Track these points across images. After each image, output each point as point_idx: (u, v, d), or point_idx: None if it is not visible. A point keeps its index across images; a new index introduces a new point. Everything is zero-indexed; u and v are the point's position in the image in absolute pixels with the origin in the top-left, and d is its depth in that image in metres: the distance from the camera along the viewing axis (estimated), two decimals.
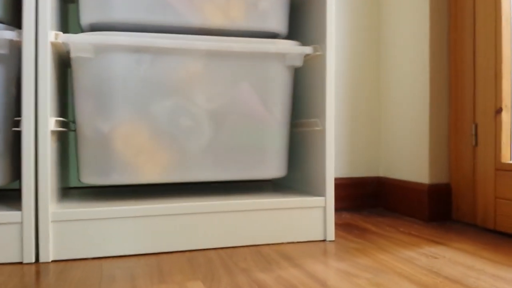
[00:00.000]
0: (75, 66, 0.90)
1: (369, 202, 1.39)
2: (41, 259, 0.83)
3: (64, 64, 0.99)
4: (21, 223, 0.83)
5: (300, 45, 0.99)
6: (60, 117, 0.96)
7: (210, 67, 0.93)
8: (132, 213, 0.87)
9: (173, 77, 0.91)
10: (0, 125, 0.86)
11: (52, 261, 0.84)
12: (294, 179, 1.14)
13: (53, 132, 0.87)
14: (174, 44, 0.89)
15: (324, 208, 0.97)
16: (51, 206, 0.84)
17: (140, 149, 0.91)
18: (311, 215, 0.96)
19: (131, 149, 0.90)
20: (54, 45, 0.85)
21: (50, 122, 0.84)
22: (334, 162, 0.97)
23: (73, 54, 0.87)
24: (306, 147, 1.07)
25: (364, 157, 1.40)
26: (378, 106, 1.41)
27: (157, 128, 0.91)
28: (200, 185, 1.20)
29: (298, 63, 0.99)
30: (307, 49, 0.98)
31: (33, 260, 0.83)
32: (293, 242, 0.96)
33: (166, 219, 0.89)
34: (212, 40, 0.92)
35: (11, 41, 0.83)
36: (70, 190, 1.13)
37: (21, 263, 0.83)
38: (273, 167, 0.99)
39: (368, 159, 1.40)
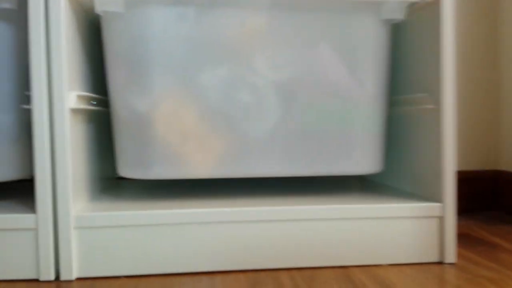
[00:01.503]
0: (103, 25, 0.69)
1: (483, 202, 1.09)
2: (63, 277, 0.64)
3: (96, 25, 0.78)
4: (36, 229, 0.63)
5: None
6: (93, 92, 0.76)
7: (276, 23, 0.68)
8: (177, 219, 0.65)
9: (226, 37, 0.67)
10: (11, 102, 0.67)
11: (77, 279, 0.65)
12: (391, 176, 0.87)
13: (77, 110, 0.67)
14: None
15: (441, 218, 0.70)
16: (73, 207, 0.65)
17: (186, 134, 0.68)
18: (422, 228, 0.69)
19: (175, 134, 0.68)
20: None
21: (69, 98, 0.64)
22: (455, 154, 0.68)
23: (98, 8, 0.66)
24: (410, 133, 0.79)
25: (479, 145, 1.09)
26: (497, 81, 1.08)
27: (208, 106, 0.68)
28: (261, 181, 0.96)
29: (399, 15, 0.71)
30: None
31: (53, 278, 0.64)
32: (395, 265, 0.69)
33: (221, 227, 0.66)
34: None
35: None
36: (120, 182, 0.94)
37: (37, 280, 0.64)
38: (364, 159, 0.73)
39: (484, 148, 1.09)
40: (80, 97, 0.67)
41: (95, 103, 0.75)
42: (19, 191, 0.82)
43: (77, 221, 0.64)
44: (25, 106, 0.64)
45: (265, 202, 0.71)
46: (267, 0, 0.67)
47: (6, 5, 0.63)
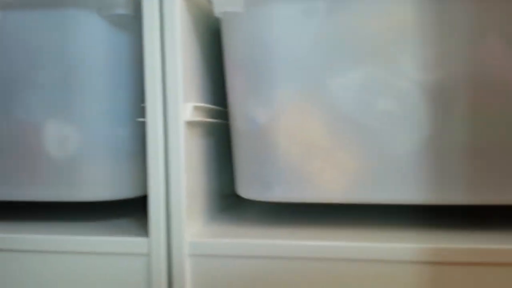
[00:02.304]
0: (222, 28, 0.62)
1: None
2: None
3: (213, 30, 0.72)
4: (148, 255, 0.58)
5: None
6: (212, 103, 0.69)
7: (427, 13, 0.55)
8: (317, 253, 0.55)
9: (363, 33, 0.55)
10: (127, 115, 0.63)
11: None
12: None
13: (194, 123, 0.61)
14: None
15: None
16: (188, 231, 0.58)
17: (313, 149, 0.58)
18: None
19: (301, 149, 0.58)
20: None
21: (185, 110, 0.57)
22: None
23: (217, 10, 0.59)
24: None
25: None
26: None
27: (339, 116, 0.56)
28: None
29: None
30: None
31: None
32: None
33: (383, 266, 0.54)
34: None
35: None
36: (240, 201, 0.87)
37: None
38: None
39: None
40: (197, 108, 0.61)
41: (213, 115, 0.68)
42: (132, 209, 0.78)
43: (191, 247, 0.57)
44: (140, 119, 0.59)
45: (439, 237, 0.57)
46: None
47: (122, 11, 0.58)
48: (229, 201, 0.82)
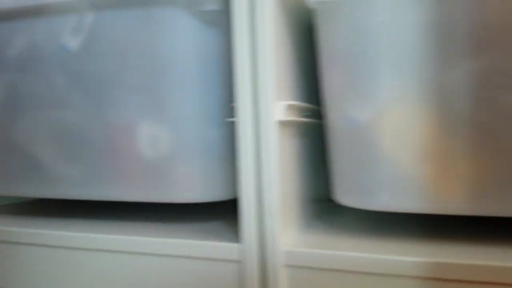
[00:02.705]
0: (317, 20, 0.57)
1: None
2: None
3: (306, 24, 0.67)
4: (240, 262, 0.55)
5: None
6: (305, 101, 0.65)
7: None
8: (429, 271, 0.49)
9: (481, 17, 0.48)
10: (217, 115, 0.60)
11: None
12: None
13: (286, 123, 0.57)
14: None
15: None
16: (283, 239, 0.54)
17: (425, 152, 0.51)
18: None
19: (409, 152, 0.51)
20: None
21: (277, 109, 0.53)
22: None
23: (312, 0, 0.54)
24: None
25: None
26: None
27: (455, 115, 0.49)
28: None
29: None
30: None
31: None
32: None
33: None
34: None
35: None
36: (335, 205, 0.81)
37: None
38: None
39: None
40: (289, 107, 0.56)
41: (307, 114, 0.64)
42: (223, 211, 0.75)
43: (287, 257, 0.53)
44: (230, 119, 0.56)
45: None
46: None
47: (211, 7, 0.56)
48: (322, 206, 0.77)
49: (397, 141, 0.51)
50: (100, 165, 0.64)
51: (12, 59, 0.66)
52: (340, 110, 0.55)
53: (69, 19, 0.62)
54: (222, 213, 0.74)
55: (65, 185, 0.66)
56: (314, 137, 0.70)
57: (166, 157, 0.61)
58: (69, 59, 0.63)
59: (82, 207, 0.81)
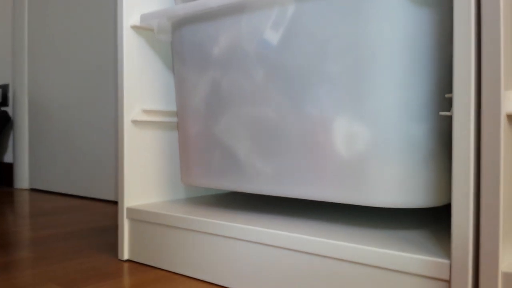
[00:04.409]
0: None
1: None
2: None
3: None
4: (449, 282, 0.46)
5: None
6: None
7: None
8: None
9: None
10: (425, 108, 0.52)
11: None
12: None
13: None
14: None
15: None
16: (504, 258, 0.44)
17: None
18: None
19: None
20: None
21: (507, 100, 0.44)
22: None
23: None
24: None
25: None
26: None
27: None
28: None
29: None
30: None
31: None
32: None
33: None
34: None
35: None
36: None
37: None
38: None
39: None
40: None
41: None
42: (424, 219, 0.66)
43: (505, 280, 0.43)
44: (444, 113, 0.48)
45: None
46: None
47: None
48: None
49: None
50: (294, 162, 0.61)
51: (216, 57, 0.68)
52: None
53: (270, 14, 0.62)
54: (425, 221, 0.65)
55: (259, 181, 0.66)
56: None
57: (364, 155, 0.55)
58: (268, 53, 0.62)
59: (267, 201, 0.80)
